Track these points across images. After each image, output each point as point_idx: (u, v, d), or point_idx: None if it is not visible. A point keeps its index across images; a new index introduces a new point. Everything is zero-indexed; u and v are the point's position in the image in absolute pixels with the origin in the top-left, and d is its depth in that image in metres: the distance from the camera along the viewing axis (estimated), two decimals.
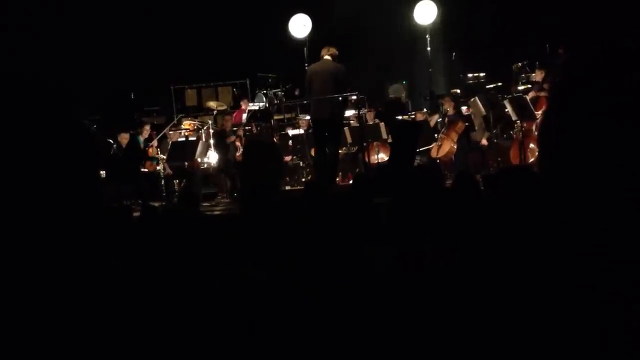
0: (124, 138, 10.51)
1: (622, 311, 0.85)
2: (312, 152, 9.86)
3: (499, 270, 1.58)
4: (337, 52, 8.46)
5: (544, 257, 0.94)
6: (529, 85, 9.95)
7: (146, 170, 10.28)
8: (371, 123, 10.64)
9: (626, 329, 0.85)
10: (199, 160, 10.37)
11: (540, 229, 0.94)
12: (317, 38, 10.69)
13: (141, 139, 10.39)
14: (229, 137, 10.70)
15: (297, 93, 11.28)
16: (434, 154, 10.27)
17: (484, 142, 10.02)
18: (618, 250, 0.85)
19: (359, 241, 2.96)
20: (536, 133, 8.81)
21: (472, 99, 10.30)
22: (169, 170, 10.37)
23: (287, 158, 10.70)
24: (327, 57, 8.43)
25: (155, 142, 10.55)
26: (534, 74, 10.11)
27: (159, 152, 10.45)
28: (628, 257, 0.84)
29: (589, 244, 0.87)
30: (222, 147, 10.73)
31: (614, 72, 0.88)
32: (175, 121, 11.55)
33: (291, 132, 11.25)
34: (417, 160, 9.43)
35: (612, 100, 0.86)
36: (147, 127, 10.77)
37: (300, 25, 11.71)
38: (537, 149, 8.60)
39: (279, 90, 11.49)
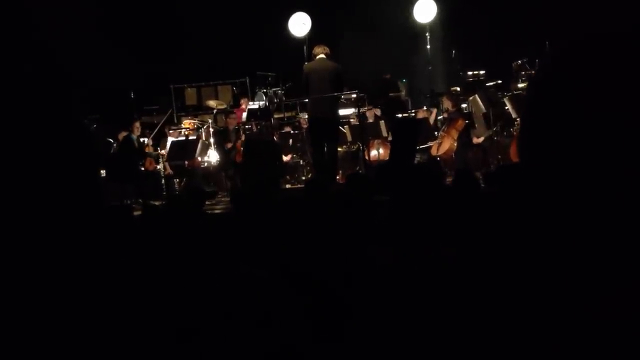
0: (123, 137, 10.53)
1: (618, 306, 0.85)
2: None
3: (498, 266, 1.59)
4: (329, 51, 8.50)
5: (540, 253, 0.94)
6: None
7: (144, 169, 10.26)
8: (371, 121, 10.65)
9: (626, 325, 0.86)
10: (199, 159, 10.38)
11: (533, 223, 0.95)
12: (316, 36, 10.69)
13: (134, 136, 10.33)
14: (227, 143, 10.66)
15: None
16: (434, 151, 10.27)
17: (479, 139, 10.01)
18: (604, 244, 0.85)
19: (359, 239, 2.97)
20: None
21: (471, 97, 10.30)
22: (169, 170, 10.36)
23: (287, 157, 10.70)
24: (322, 55, 8.45)
25: (149, 141, 10.50)
26: (533, 72, 10.10)
27: (159, 150, 10.45)
28: (615, 252, 0.85)
29: (573, 238, 0.87)
30: (223, 146, 10.74)
31: (587, 69, 0.89)
32: (166, 117, 11.53)
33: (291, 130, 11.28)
34: (418, 158, 9.44)
35: (586, 97, 0.87)
36: (137, 124, 10.59)
37: (299, 24, 11.71)
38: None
39: (278, 88, 11.50)
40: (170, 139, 10.83)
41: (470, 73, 11.69)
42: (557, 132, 0.87)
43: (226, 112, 11.96)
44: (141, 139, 10.48)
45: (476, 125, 10.18)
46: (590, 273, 0.86)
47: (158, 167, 10.31)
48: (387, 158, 9.78)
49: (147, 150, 10.37)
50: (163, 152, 10.32)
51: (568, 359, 0.90)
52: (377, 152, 10.55)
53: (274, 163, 8.89)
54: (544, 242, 0.92)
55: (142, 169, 10.24)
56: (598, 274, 0.85)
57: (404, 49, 12.99)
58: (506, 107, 9.34)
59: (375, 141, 10.54)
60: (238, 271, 2.25)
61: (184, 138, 10.99)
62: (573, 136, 0.86)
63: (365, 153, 9.49)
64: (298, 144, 10.90)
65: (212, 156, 10.68)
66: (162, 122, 11.18)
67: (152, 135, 10.68)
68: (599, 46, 0.89)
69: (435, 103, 11.42)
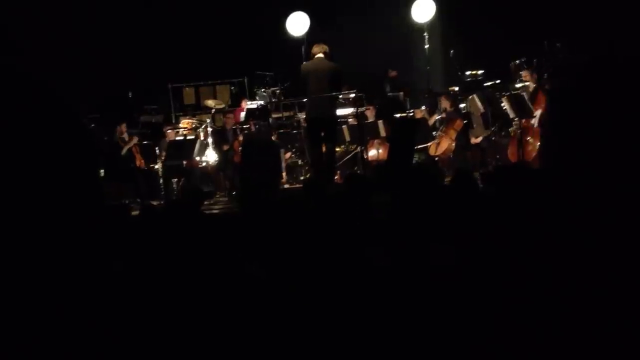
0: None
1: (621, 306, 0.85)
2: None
3: (497, 266, 1.59)
4: (328, 50, 8.48)
5: (540, 252, 0.95)
6: (527, 83, 9.95)
7: (137, 166, 10.23)
8: (370, 121, 10.65)
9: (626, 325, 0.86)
10: (197, 159, 10.37)
11: (538, 223, 0.95)
12: (314, 36, 10.69)
13: (116, 137, 10.35)
14: (224, 144, 10.63)
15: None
16: (432, 151, 10.28)
17: (477, 139, 10.01)
18: (619, 245, 0.85)
19: (358, 239, 2.97)
20: (536, 125, 8.82)
21: (470, 97, 10.29)
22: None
23: (286, 156, 10.70)
24: (320, 55, 8.43)
25: (133, 139, 10.42)
26: (532, 72, 10.08)
27: (158, 152, 10.43)
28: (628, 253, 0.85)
29: (592, 238, 0.87)
30: (221, 145, 10.73)
31: (611, 75, 0.89)
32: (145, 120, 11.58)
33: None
34: (416, 158, 9.44)
35: (609, 101, 0.87)
36: (122, 127, 10.55)
37: (297, 23, 11.70)
38: (536, 145, 8.62)
39: (277, 88, 11.48)
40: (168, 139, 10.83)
41: (468, 73, 11.69)
42: (583, 139, 0.87)
43: (224, 112, 11.95)
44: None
45: (474, 125, 10.17)
46: (601, 274, 0.85)
47: (156, 166, 10.30)
48: (386, 158, 9.78)
49: (134, 149, 10.33)
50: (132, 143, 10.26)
51: (566, 358, 0.90)
52: (376, 152, 10.55)
53: (272, 163, 8.89)
54: (556, 241, 0.91)
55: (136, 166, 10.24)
56: (610, 275, 0.85)
57: (402, 48, 12.99)
58: (504, 107, 9.34)
59: (375, 141, 10.53)
60: (236, 271, 2.25)
61: (182, 138, 10.98)
62: (597, 143, 0.85)
63: (364, 153, 9.49)
64: (296, 144, 10.89)
65: (210, 156, 10.67)
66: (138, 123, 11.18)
67: (127, 135, 10.64)
68: (623, 65, 0.89)
69: (433, 103, 11.42)
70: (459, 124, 10.11)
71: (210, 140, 10.76)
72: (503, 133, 10.04)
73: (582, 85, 0.91)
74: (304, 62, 9.00)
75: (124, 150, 10.12)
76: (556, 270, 0.94)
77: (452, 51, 11.70)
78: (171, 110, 14.05)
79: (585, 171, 0.88)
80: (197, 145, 10.38)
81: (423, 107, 11.49)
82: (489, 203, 3.26)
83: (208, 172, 10.80)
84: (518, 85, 10.13)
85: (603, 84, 0.89)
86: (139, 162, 10.31)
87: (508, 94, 9.45)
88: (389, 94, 12.46)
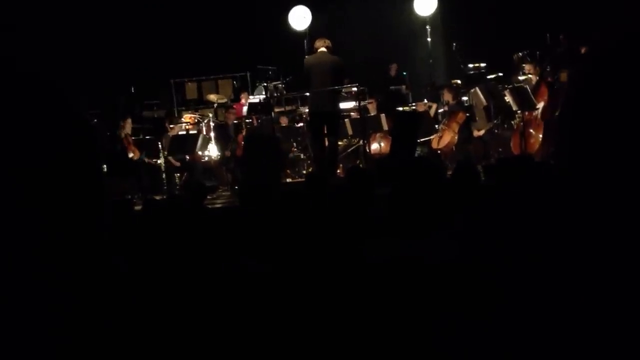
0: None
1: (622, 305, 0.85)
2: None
3: (499, 259, 1.58)
4: (331, 44, 8.49)
5: (544, 247, 0.94)
6: (530, 75, 9.93)
7: (131, 157, 10.25)
8: (372, 114, 10.65)
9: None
10: (199, 153, 10.38)
11: (546, 219, 0.95)
12: (316, 30, 10.68)
13: (122, 134, 10.38)
14: (226, 150, 10.65)
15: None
16: (434, 144, 10.26)
17: (480, 132, 10.00)
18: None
19: (360, 233, 2.97)
20: (539, 117, 8.81)
21: (472, 90, 10.28)
22: (176, 163, 10.33)
23: (289, 151, 10.71)
24: (323, 49, 8.44)
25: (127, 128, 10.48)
26: (524, 66, 10.06)
27: (159, 146, 10.44)
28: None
29: (608, 240, 0.86)
30: (223, 140, 10.74)
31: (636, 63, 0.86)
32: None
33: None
34: (418, 151, 9.43)
35: (634, 92, 0.84)
36: (127, 121, 10.61)
37: (299, 17, 11.69)
38: (539, 138, 8.62)
39: (279, 82, 11.48)
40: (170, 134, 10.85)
41: (471, 66, 11.68)
42: (603, 133, 0.84)
43: (226, 107, 11.97)
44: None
45: (477, 118, 10.17)
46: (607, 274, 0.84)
47: (159, 161, 10.31)
48: (388, 151, 9.77)
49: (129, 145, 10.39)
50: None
51: (568, 357, 0.90)
52: (378, 146, 10.54)
53: (275, 157, 8.90)
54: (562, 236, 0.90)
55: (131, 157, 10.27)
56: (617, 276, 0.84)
57: (404, 41, 12.98)
58: (507, 100, 9.32)
59: (377, 134, 10.53)
60: (238, 266, 2.26)
61: (184, 132, 10.99)
62: (619, 138, 0.83)
63: (367, 147, 9.49)
64: (299, 138, 10.90)
65: (213, 150, 10.68)
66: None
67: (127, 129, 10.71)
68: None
69: (435, 96, 11.41)
70: (462, 116, 10.09)
71: (212, 134, 10.78)
72: (506, 126, 10.03)
73: (605, 73, 0.88)
74: (307, 56, 8.99)
75: (118, 145, 10.14)
76: (559, 265, 0.93)
77: (454, 44, 11.68)
78: (173, 105, 14.06)
79: (608, 169, 0.85)
80: (200, 140, 10.39)
81: (425, 101, 11.49)
82: (491, 195, 3.26)
83: (210, 167, 10.82)
84: (521, 78, 10.11)
85: (629, 70, 0.85)
86: (132, 153, 10.31)
87: (511, 86, 9.44)
88: (391, 87, 12.45)
